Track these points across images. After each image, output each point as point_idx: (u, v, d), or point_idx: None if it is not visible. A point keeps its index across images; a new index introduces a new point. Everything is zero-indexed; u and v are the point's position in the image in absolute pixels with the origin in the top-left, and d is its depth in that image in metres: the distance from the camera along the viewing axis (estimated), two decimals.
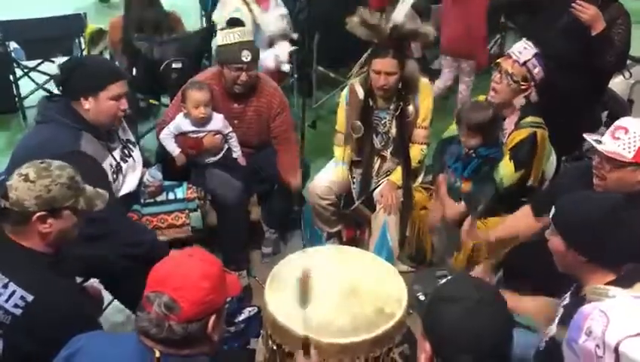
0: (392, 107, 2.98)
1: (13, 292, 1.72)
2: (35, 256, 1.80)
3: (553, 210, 1.83)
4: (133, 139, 2.71)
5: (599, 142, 2.11)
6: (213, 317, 1.52)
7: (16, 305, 1.72)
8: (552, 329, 1.79)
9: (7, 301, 1.72)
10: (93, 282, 2.51)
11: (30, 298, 1.72)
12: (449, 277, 1.59)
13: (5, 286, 1.73)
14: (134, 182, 2.66)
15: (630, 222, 1.70)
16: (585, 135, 2.21)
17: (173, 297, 1.45)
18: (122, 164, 2.56)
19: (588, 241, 1.71)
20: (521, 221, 2.58)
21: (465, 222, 2.79)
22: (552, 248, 1.82)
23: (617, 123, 2.10)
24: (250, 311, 2.73)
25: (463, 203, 2.90)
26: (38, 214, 1.76)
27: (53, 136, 2.28)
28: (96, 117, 2.38)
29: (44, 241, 1.81)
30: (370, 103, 2.99)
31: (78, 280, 2.44)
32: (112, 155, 2.50)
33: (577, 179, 2.35)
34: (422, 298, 1.58)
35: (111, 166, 2.48)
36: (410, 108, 2.97)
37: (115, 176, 2.51)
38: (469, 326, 1.37)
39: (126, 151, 2.61)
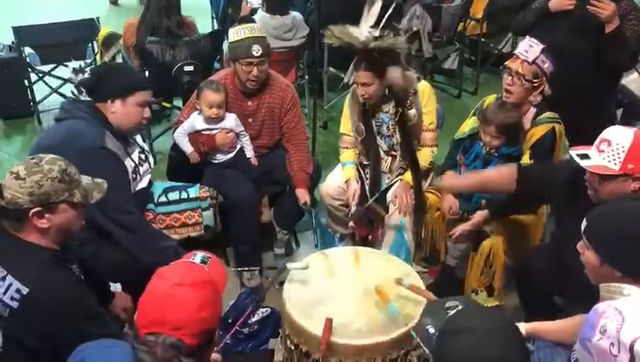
0: (391, 112, 2.98)
1: (10, 284, 1.72)
2: (36, 251, 1.80)
3: (585, 222, 1.75)
4: (147, 148, 2.76)
5: (586, 156, 2.06)
6: (217, 331, 1.52)
7: (12, 298, 1.72)
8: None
9: (4, 293, 1.72)
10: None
11: (25, 290, 1.72)
12: (459, 308, 1.50)
13: (3, 278, 1.73)
14: (147, 180, 2.71)
15: None
16: (571, 150, 2.15)
17: (176, 336, 1.41)
18: (139, 167, 2.60)
19: (626, 256, 1.63)
20: (507, 178, 2.49)
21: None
22: (584, 262, 1.75)
23: (602, 135, 2.04)
24: (263, 313, 2.73)
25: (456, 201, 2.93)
26: (33, 211, 1.75)
27: (80, 130, 2.32)
28: (121, 121, 2.42)
29: (45, 236, 1.81)
30: (367, 106, 2.99)
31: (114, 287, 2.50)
32: (131, 158, 2.54)
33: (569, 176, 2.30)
34: (432, 331, 1.49)
35: (130, 166, 2.52)
36: (412, 111, 2.96)
37: (134, 175, 2.55)
38: (480, 359, 1.31)
39: (143, 156, 2.65)
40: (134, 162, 2.55)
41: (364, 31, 2.74)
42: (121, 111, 2.40)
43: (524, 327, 1.96)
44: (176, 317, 1.42)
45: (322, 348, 1.96)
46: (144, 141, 2.80)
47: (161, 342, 1.40)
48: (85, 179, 1.91)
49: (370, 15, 2.78)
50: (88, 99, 2.45)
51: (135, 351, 1.44)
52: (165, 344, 1.40)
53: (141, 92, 2.42)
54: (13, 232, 1.80)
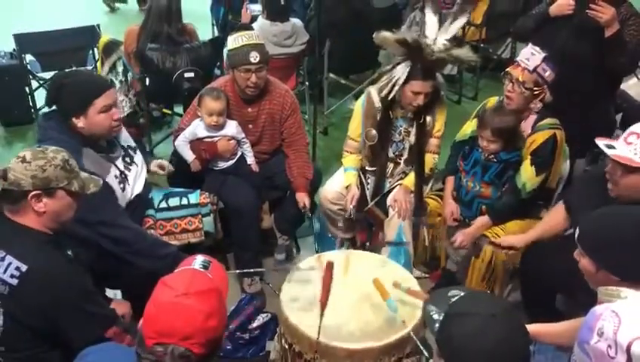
0: (409, 115, 2.98)
1: (10, 263, 1.81)
2: (31, 232, 1.88)
3: (577, 231, 1.77)
4: (133, 144, 2.73)
5: (611, 147, 2.09)
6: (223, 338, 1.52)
7: (12, 276, 1.80)
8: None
9: (4, 272, 1.81)
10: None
11: (24, 268, 1.80)
12: (462, 294, 1.55)
13: (2, 258, 1.82)
14: (142, 185, 2.69)
15: None
16: (597, 140, 2.18)
17: (184, 346, 1.41)
18: (127, 172, 2.59)
19: (619, 260, 1.64)
20: (557, 219, 2.56)
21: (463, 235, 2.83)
22: (582, 269, 1.76)
23: (631, 128, 2.08)
24: (264, 318, 2.74)
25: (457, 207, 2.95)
26: (33, 193, 1.84)
27: None
28: (91, 131, 2.40)
29: (40, 220, 1.89)
30: (391, 116, 2.99)
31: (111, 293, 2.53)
32: (115, 165, 2.53)
33: (595, 182, 2.33)
34: (436, 317, 1.53)
35: (116, 177, 2.51)
36: (429, 118, 2.98)
37: (122, 185, 2.53)
38: (482, 340, 1.33)
39: (128, 159, 2.63)
40: (119, 169, 2.54)
41: (439, 42, 2.75)
42: (86, 124, 2.37)
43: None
44: (185, 328, 1.41)
45: (322, 299, 1.97)
46: (142, 147, 2.78)
47: (169, 352, 1.40)
48: (83, 173, 2.01)
49: (451, 29, 2.78)
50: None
51: (141, 359, 1.45)
52: (174, 354, 1.40)
53: (98, 99, 2.37)
54: (9, 215, 1.89)
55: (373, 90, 3.00)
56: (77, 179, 1.95)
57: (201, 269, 1.57)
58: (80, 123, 2.37)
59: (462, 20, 2.83)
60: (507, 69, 2.81)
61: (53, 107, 2.46)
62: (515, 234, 2.78)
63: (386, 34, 2.77)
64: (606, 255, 1.66)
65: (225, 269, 1.68)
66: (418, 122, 2.96)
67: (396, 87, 2.81)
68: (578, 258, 1.77)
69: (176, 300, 1.44)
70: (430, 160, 3.07)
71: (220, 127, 3.00)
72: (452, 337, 1.39)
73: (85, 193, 1.98)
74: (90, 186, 2.01)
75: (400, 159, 3.09)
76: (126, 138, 2.69)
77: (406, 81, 2.81)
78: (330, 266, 2.05)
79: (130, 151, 2.68)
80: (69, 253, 2.00)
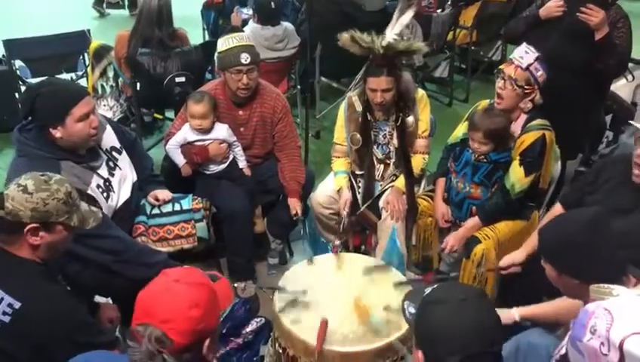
0: (391, 119, 3.00)
1: (1, 299, 1.74)
2: (25, 264, 1.81)
3: (537, 239, 1.83)
4: (118, 145, 2.63)
5: None
6: (207, 341, 1.48)
7: (4, 313, 1.73)
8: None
9: None
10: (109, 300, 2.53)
11: (17, 304, 1.73)
12: (436, 285, 1.60)
13: None
14: (129, 190, 2.64)
15: (613, 232, 1.68)
16: (631, 121, 2.18)
17: (162, 330, 1.40)
18: (111, 178, 2.54)
19: (574, 264, 1.68)
20: None
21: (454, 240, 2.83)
22: (547, 275, 1.80)
23: None
24: (257, 322, 2.72)
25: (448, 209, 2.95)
26: (30, 226, 1.77)
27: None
28: (70, 141, 2.34)
29: (33, 252, 1.82)
30: (369, 117, 3.01)
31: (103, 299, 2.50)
32: (98, 174, 2.47)
33: (614, 167, 2.32)
34: (412, 310, 1.59)
35: (99, 186, 2.46)
36: (410, 118, 2.99)
37: (106, 194, 2.49)
38: (455, 325, 1.36)
39: (111, 163, 2.57)
40: (103, 177, 2.49)
41: (388, 37, 2.77)
42: (65, 134, 2.29)
43: (517, 312, 1.99)
44: (167, 309, 1.41)
45: (318, 348, 1.99)
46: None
47: (147, 334, 1.40)
48: (83, 206, 1.93)
49: (399, 23, 2.81)
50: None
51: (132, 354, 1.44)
52: (151, 336, 1.39)
53: (75, 108, 2.28)
54: (1, 245, 1.80)
55: (354, 95, 3.03)
56: (77, 213, 1.87)
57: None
58: (58, 133, 2.29)
59: (409, 14, 2.85)
60: (500, 67, 2.83)
61: (29, 118, 2.35)
62: (504, 235, 2.79)
63: (344, 34, 2.80)
64: (562, 260, 1.72)
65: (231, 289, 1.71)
66: (396, 124, 2.97)
67: (355, 82, 2.90)
68: (544, 265, 1.81)
69: (167, 285, 1.46)
70: (420, 160, 3.09)
71: (206, 130, 2.99)
72: (427, 325, 1.42)
73: (85, 228, 1.91)
74: (90, 221, 1.93)
75: (389, 161, 3.10)
76: (108, 140, 2.60)
77: (365, 80, 2.86)
78: (324, 324, 2.06)
79: (114, 153, 2.61)
80: (60, 278, 1.96)
